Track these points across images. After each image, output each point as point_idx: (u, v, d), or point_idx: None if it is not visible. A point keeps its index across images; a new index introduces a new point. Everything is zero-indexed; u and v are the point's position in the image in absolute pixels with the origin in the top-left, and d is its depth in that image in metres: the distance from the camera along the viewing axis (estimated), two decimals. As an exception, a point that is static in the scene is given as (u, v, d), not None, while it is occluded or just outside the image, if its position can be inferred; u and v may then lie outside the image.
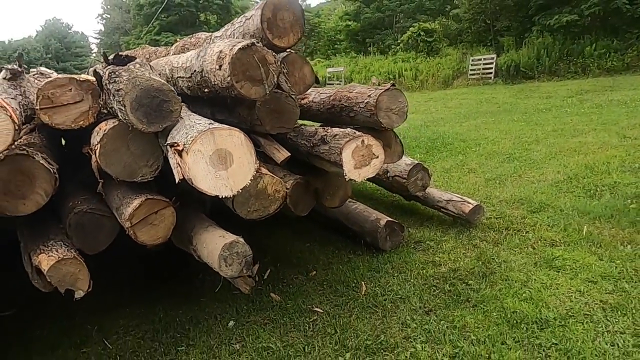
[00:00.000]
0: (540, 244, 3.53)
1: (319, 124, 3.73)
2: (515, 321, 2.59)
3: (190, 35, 3.92)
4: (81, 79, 2.45)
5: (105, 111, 2.59)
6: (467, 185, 5.19)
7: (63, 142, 4.01)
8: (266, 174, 2.46)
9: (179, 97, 2.09)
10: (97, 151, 2.26)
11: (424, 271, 3.31)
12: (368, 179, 4.60)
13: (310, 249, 3.92)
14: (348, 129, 2.70)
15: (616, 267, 3.04)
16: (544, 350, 2.35)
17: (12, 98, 2.30)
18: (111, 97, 2.08)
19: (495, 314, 2.69)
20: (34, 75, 4.02)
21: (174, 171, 1.86)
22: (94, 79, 2.46)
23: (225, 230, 2.47)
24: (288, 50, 2.82)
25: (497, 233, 3.81)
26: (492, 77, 16.81)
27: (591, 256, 3.23)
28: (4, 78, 2.68)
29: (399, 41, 23.14)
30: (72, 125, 2.50)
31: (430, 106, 12.95)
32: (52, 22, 51.82)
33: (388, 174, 4.22)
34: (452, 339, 2.52)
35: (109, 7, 50.98)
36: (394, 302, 2.96)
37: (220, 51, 2.18)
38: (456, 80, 18.05)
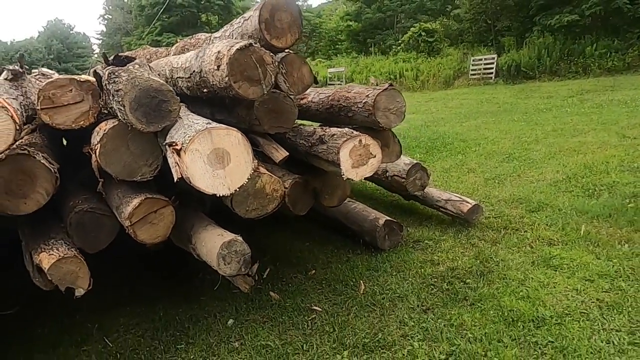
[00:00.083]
0: (538, 243, 3.55)
1: (318, 123, 3.76)
2: (512, 319, 2.61)
3: (190, 36, 3.95)
4: (81, 80, 2.47)
5: (105, 111, 2.62)
6: (467, 184, 5.21)
7: (65, 142, 4.04)
8: (264, 173, 2.48)
9: (178, 97, 2.11)
10: (97, 151, 2.28)
11: (422, 270, 3.33)
12: (367, 179, 4.64)
13: (309, 248, 3.95)
14: (346, 128, 2.72)
15: (613, 266, 3.05)
16: (540, 348, 2.37)
17: (13, 98, 2.33)
18: (111, 98, 2.11)
19: (492, 312, 2.71)
20: (35, 76, 4.05)
21: (173, 170, 1.89)
22: (94, 79, 2.48)
23: (224, 229, 2.50)
24: (286, 50, 2.84)
25: (496, 232, 3.83)
26: (493, 77, 16.82)
27: (589, 255, 3.25)
28: (6, 79, 2.71)
29: (400, 41, 23.15)
30: (73, 125, 2.52)
31: (431, 106, 12.97)
32: (54, 23, 51.95)
33: (387, 173, 4.24)
34: (449, 336, 2.54)
35: (110, 7, 51.08)
36: (392, 300, 2.98)
37: (219, 52, 2.21)
38: (457, 80, 18.06)
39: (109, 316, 3.10)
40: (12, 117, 1.95)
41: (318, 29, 33.98)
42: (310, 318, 2.88)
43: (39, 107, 2.42)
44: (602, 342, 2.35)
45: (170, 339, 2.80)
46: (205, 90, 2.50)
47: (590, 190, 4.47)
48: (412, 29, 22.34)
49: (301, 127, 3.11)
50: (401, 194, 4.48)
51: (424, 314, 2.81)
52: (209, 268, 2.58)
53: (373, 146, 2.59)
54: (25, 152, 2.31)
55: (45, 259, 2.34)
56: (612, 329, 2.44)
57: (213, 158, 1.86)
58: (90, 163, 2.54)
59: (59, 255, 2.33)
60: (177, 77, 2.91)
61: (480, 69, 17.41)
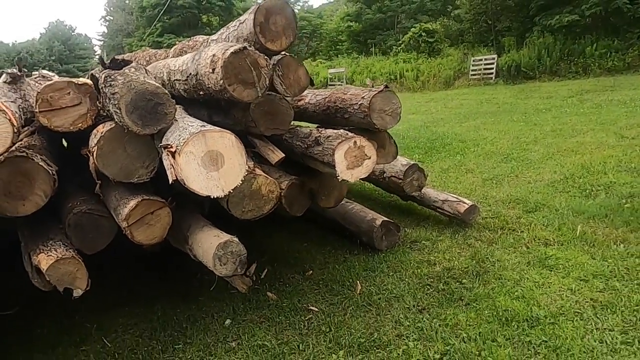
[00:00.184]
0: (534, 243, 3.57)
1: (316, 125, 3.79)
2: (506, 319, 2.63)
3: (189, 39, 3.98)
4: (79, 83, 2.50)
5: (104, 113, 2.65)
6: (465, 185, 5.23)
7: (65, 143, 4.07)
8: (260, 175, 2.51)
9: (174, 100, 2.14)
10: (95, 153, 2.31)
11: (419, 270, 3.35)
12: (365, 180, 4.65)
13: (307, 248, 3.97)
14: (341, 130, 2.74)
15: (608, 266, 3.07)
16: (533, 348, 2.39)
17: (11, 101, 2.36)
18: (107, 101, 2.14)
19: (487, 312, 2.73)
20: (35, 78, 4.09)
21: (168, 172, 1.91)
22: (91, 82, 2.51)
23: (220, 230, 2.52)
24: (282, 53, 2.87)
25: (492, 232, 3.85)
26: (493, 78, 16.83)
27: (584, 255, 3.26)
28: (5, 82, 2.74)
29: (400, 42, 23.17)
30: (71, 128, 2.55)
31: (431, 107, 12.99)
32: (55, 24, 52.14)
33: (384, 174, 4.26)
34: (444, 336, 2.56)
35: (112, 9, 51.25)
36: (389, 300, 3.01)
37: (214, 55, 2.24)
38: (457, 80, 18.07)
39: (107, 316, 3.13)
40: (10, 120, 1.98)
41: (319, 29, 34.03)
42: (306, 318, 2.90)
43: (37, 110, 2.45)
44: (595, 341, 2.37)
45: (168, 339, 2.83)
46: (201, 92, 2.53)
47: (587, 191, 4.49)
48: (412, 29, 22.36)
49: (298, 128, 3.14)
50: (399, 195, 4.50)
51: (420, 313, 2.83)
52: (207, 269, 2.60)
53: (368, 148, 2.62)
54: (24, 154, 2.34)
55: (44, 260, 2.37)
56: (605, 329, 2.46)
57: (207, 160, 1.89)
58: (88, 165, 2.57)
59: (57, 256, 2.36)
60: (174, 80, 2.94)
61: (480, 69, 17.42)
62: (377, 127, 3.00)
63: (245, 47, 2.20)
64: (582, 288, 2.86)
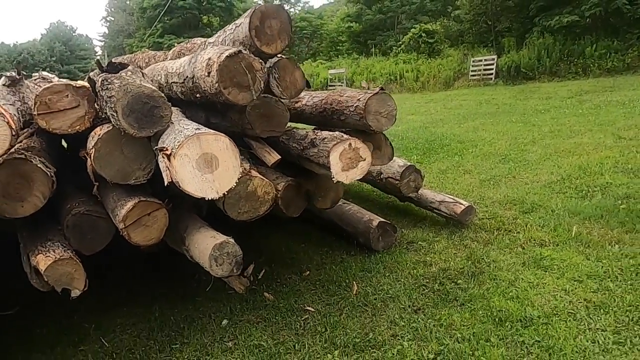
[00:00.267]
0: (530, 244, 3.59)
1: (313, 126, 3.81)
2: (500, 319, 2.65)
3: (187, 41, 4.01)
4: (77, 85, 2.53)
5: (103, 115, 2.68)
6: (462, 186, 5.25)
7: (65, 145, 4.10)
8: (256, 177, 2.54)
9: (169, 103, 2.17)
10: (92, 155, 2.34)
11: (415, 271, 3.37)
12: (363, 180, 4.70)
13: (305, 249, 3.99)
14: (336, 132, 2.77)
15: (602, 267, 3.09)
16: (526, 348, 2.41)
17: (10, 104, 2.39)
18: (104, 104, 2.17)
19: (481, 312, 2.75)
20: (35, 79, 4.13)
21: (164, 174, 1.94)
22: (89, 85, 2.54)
23: (216, 231, 2.55)
24: (279, 55, 2.90)
25: (489, 233, 3.87)
26: (493, 78, 16.84)
27: (579, 256, 3.28)
28: (4, 85, 2.77)
29: (400, 42, 23.20)
30: (69, 130, 2.58)
31: (430, 107, 13.01)
32: (56, 25, 52.27)
33: (381, 175, 4.29)
34: (438, 336, 2.58)
35: (113, 9, 51.37)
36: (384, 301, 3.03)
37: (209, 58, 2.27)
38: (457, 81, 18.09)
39: (106, 317, 3.16)
40: (8, 123, 2.01)
41: (319, 30, 34.07)
42: (303, 318, 2.93)
43: (35, 113, 2.47)
44: (587, 341, 2.39)
45: (166, 339, 2.85)
46: (198, 95, 2.56)
47: (584, 192, 4.51)
48: (412, 30, 22.39)
49: (294, 130, 3.17)
50: (396, 196, 4.52)
51: (415, 314, 2.85)
52: (204, 269, 2.63)
53: (363, 149, 2.64)
54: (22, 156, 2.37)
55: (42, 261, 2.40)
56: (598, 329, 2.48)
57: (202, 163, 1.92)
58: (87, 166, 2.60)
59: (55, 257, 2.39)
60: (172, 82, 2.97)
61: (480, 70, 17.44)
62: (372, 129, 3.02)
63: (240, 51, 2.23)
64: (576, 289, 2.88)
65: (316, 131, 2.96)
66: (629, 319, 2.53)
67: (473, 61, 17.89)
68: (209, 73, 2.24)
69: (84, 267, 2.48)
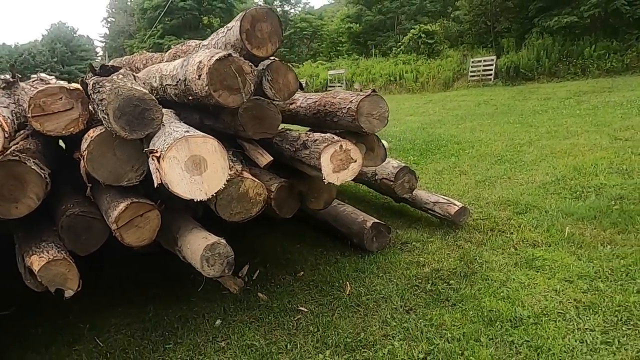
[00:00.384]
0: (523, 244, 3.61)
1: (308, 128, 3.84)
2: (490, 319, 2.67)
3: (182, 43, 4.04)
4: (71, 88, 2.56)
5: (97, 118, 2.70)
6: (458, 187, 5.28)
7: (64, 146, 4.12)
8: (247, 178, 2.56)
9: (160, 106, 2.20)
10: (85, 157, 2.37)
11: (408, 271, 3.40)
12: (359, 182, 4.73)
13: (299, 250, 4.02)
14: (328, 134, 2.79)
15: (593, 267, 3.11)
16: (515, 347, 2.43)
17: (4, 107, 2.42)
18: (96, 106, 2.20)
19: (472, 312, 2.77)
20: (34, 81, 4.16)
21: (154, 176, 1.97)
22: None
23: (208, 232, 2.58)
24: (272, 57, 2.92)
25: (482, 234, 3.90)
26: (492, 79, 16.85)
27: (570, 256, 3.30)
28: (-1, 87, 2.80)
29: (400, 43, 23.22)
30: (63, 132, 2.61)
31: (429, 108, 13.03)
32: (57, 26, 52.35)
33: (376, 176, 4.31)
34: (429, 336, 2.60)
35: (113, 10, 51.49)
36: (377, 301, 3.05)
37: (200, 61, 2.30)
38: (456, 82, 18.10)
39: (101, 317, 3.18)
40: (1, 125, 2.04)
41: (319, 31, 34.10)
42: (295, 318, 2.95)
43: (29, 115, 2.50)
44: (575, 341, 2.40)
45: (159, 339, 2.88)
46: (190, 97, 2.59)
47: (578, 192, 4.53)
48: (412, 30, 22.40)
49: (287, 132, 3.19)
50: (391, 197, 4.55)
51: (407, 314, 2.87)
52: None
53: (354, 151, 2.67)
54: (17, 158, 2.40)
55: (36, 262, 2.43)
56: (586, 329, 2.50)
57: (190, 165, 1.95)
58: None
59: (49, 258, 2.42)
60: (166, 85, 3.00)
61: (479, 71, 17.46)
62: (364, 130, 3.05)
63: (230, 54, 2.25)
64: (566, 289, 2.90)
65: (309, 133, 2.98)
66: (618, 319, 2.54)
67: (472, 62, 17.91)
68: (199, 76, 2.27)
69: (78, 268, 2.51)
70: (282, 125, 3.29)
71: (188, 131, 2.05)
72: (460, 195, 4.91)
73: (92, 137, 2.36)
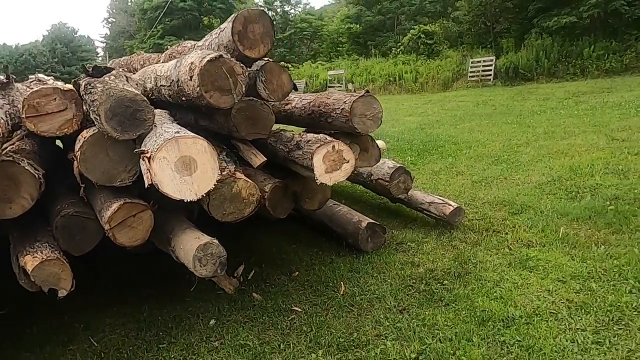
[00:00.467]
0: (517, 244, 3.62)
1: (304, 129, 3.85)
2: (483, 319, 2.68)
3: (178, 44, 4.05)
4: (65, 89, 2.58)
5: (92, 118, 2.72)
6: (454, 187, 5.28)
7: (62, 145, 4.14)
8: (240, 179, 2.57)
9: (152, 107, 2.21)
10: (78, 157, 2.38)
11: (402, 272, 3.40)
12: (356, 182, 4.74)
13: (295, 250, 4.03)
14: (321, 134, 2.80)
15: (586, 267, 3.11)
16: (507, 347, 2.44)
17: (-2, 108, 2.43)
18: (88, 107, 2.21)
19: (465, 312, 2.78)
20: (32, 81, 4.17)
21: (144, 177, 1.98)
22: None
23: (201, 232, 2.59)
24: (266, 58, 2.94)
25: (477, 234, 3.90)
26: (492, 79, 16.85)
27: (564, 257, 3.31)
28: (-7, 88, 2.82)
29: (399, 43, 23.23)
30: (57, 133, 2.63)
31: (428, 108, 13.03)
32: (58, 26, 52.46)
33: (372, 177, 4.32)
34: (421, 336, 2.61)
35: (114, 11, 51.56)
36: (370, 301, 3.06)
37: (192, 62, 2.31)
38: (456, 82, 18.11)
39: (96, 317, 3.19)
40: (-6, 126, 2.05)
41: (319, 31, 34.10)
42: (289, 318, 2.96)
43: (24, 116, 2.52)
44: (567, 341, 2.41)
45: (153, 339, 2.89)
46: (183, 98, 2.60)
47: (574, 193, 4.53)
48: (411, 31, 22.41)
49: (281, 132, 3.20)
50: (387, 197, 4.55)
51: (400, 314, 2.88)
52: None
53: (346, 152, 2.68)
54: (10, 158, 2.41)
55: (30, 261, 2.44)
56: (578, 329, 2.50)
57: (180, 165, 1.96)
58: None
59: (43, 258, 2.43)
60: (160, 85, 3.01)
61: (478, 71, 17.46)
62: (358, 131, 3.06)
63: (221, 55, 2.27)
64: (559, 289, 2.91)
65: (302, 134, 2.99)
66: (609, 319, 2.55)
67: (472, 62, 17.91)
68: (191, 77, 2.28)
69: (72, 268, 2.52)
70: (277, 126, 3.30)
71: (179, 132, 2.06)
72: (456, 195, 4.92)
73: (85, 138, 2.37)
